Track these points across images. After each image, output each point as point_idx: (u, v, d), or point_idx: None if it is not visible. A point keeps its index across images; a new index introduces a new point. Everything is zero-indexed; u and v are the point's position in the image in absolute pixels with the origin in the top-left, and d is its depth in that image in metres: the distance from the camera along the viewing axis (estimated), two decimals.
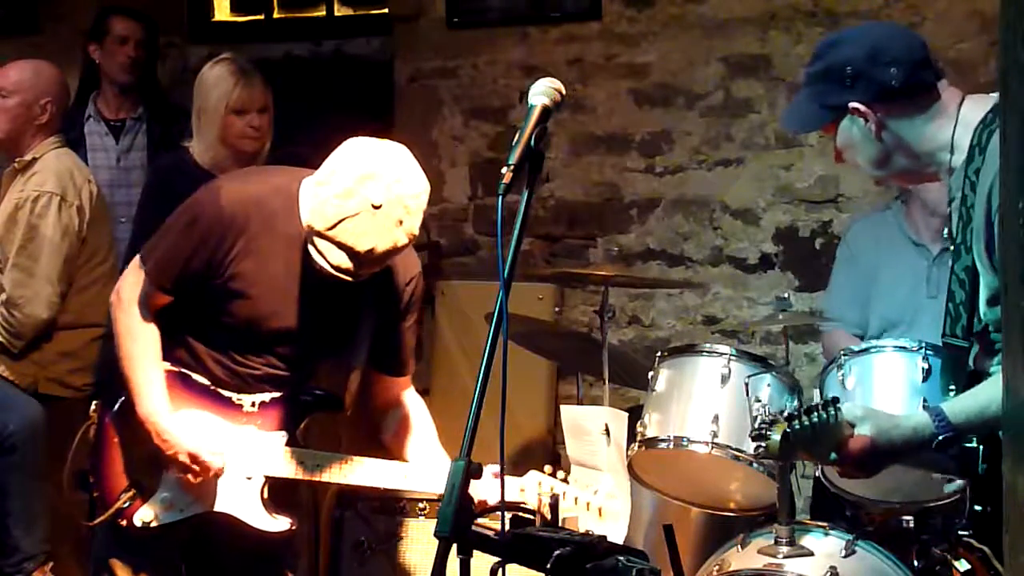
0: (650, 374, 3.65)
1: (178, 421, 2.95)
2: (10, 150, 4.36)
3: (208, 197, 2.95)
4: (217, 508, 3.00)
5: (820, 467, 3.35)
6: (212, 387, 3.01)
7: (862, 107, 2.40)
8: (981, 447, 2.35)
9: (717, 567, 3.31)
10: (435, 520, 2.06)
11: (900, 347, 3.29)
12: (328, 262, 2.78)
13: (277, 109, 4.03)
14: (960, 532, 2.45)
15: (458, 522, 2.03)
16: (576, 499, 2.90)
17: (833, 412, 2.30)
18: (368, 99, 5.39)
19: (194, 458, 2.94)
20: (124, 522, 3.02)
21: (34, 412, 4.22)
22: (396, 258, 2.89)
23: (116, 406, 3.04)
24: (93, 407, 3.11)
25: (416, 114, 5.42)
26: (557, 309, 5.13)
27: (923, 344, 3.15)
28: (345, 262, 2.77)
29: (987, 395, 2.29)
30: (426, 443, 3.09)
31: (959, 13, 4.69)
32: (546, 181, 5.22)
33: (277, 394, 3.02)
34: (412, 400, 3.18)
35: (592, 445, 3.88)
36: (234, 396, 3.00)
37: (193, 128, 3.97)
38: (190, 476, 2.97)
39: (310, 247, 2.81)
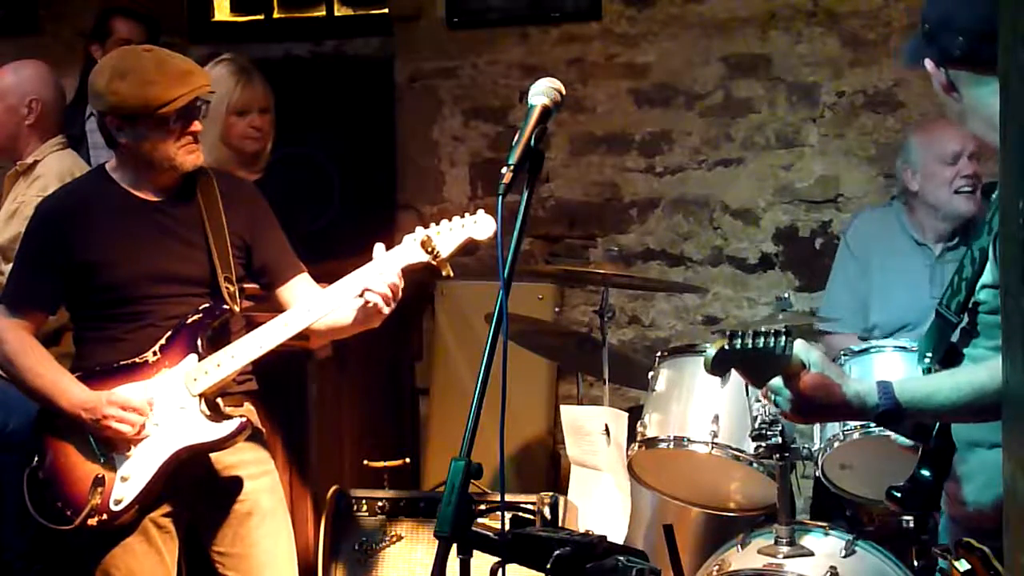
0: (650, 374, 3.66)
1: (95, 392, 3.12)
2: (10, 154, 4.34)
3: (32, 218, 3.27)
4: (173, 449, 3.10)
5: (820, 467, 3.36)
6: (115, 365, 3.16)
7: (930, 67, 2.33)
8: (937, 423, 2.35)
9: (717, 567, 3.31)
10: (435, 520, 2.07)
11: (900, 347, 3.30)
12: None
13: (277, 109, 4.03)
14: (891, 488, 2.42)
15: (458, 522, 2.04)
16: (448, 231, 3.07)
17: (783, 343, 2.24)
18: (368, 99, 5.39)
19: (120, 405, 3.07)
20: (105, 516, 3.08)
21: (34, 412, 4.20)
22: (210, 186, 3.22)
23: (39, 423, 3.24)
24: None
25: (416, 114, 5.42)
26: (557, 309, 5.13)
27: None
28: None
29: (937, 384, 2.28)
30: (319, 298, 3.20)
31: None
32: (546, 181, 5.22)
33: (168, 333, 3.16)
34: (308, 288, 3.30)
35: (592, 445, 3.89)
36: (136, 359, 3.15)
37: None
38: (127, 427, 3.07)
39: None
